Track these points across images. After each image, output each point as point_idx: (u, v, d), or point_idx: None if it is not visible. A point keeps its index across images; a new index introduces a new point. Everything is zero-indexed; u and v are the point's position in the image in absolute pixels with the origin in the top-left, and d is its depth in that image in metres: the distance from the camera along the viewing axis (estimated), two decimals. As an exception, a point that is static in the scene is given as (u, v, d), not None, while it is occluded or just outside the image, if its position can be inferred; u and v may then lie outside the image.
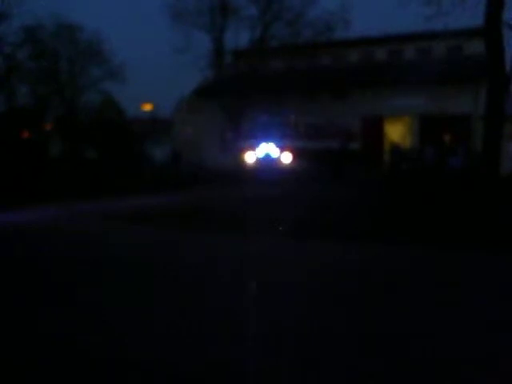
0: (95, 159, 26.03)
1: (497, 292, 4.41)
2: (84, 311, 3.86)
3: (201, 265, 5.42)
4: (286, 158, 22.26)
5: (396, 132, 27.78)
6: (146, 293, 4.33)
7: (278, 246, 6.33)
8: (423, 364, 2.92)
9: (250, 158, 22.82)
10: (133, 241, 6.87)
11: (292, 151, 22.15)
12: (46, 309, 3.92)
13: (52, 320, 3.66)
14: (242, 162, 22.89)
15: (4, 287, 4.59)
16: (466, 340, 3.30)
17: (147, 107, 34.57)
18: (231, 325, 3.52)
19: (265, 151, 22.53)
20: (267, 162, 22.17)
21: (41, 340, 3.29)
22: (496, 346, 3.20)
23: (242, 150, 23.37)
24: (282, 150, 22.28)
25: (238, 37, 29.53)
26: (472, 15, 15.92)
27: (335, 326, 3.54)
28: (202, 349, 3.11)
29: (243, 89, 27.18)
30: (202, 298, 4.21)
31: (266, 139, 22.52)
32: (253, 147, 22.82)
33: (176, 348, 3.14)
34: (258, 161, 22.53)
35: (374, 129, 27.89)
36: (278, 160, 22.24)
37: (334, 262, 5.63)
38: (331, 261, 5.66)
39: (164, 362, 2.93)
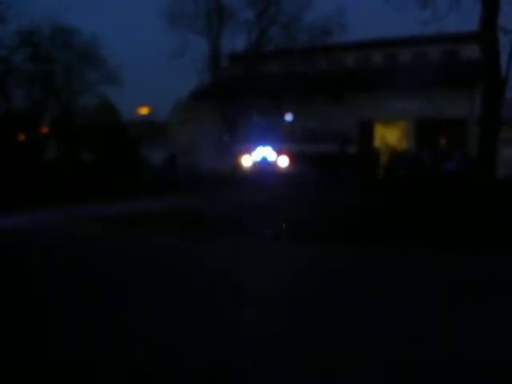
0: (91, 162, 25.95)
1: (496, 292, 4.44)
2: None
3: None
4: (283, 161, 22.25)
5: (392, 136, 27.85)
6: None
7: (276, 248, 6.35)
8: (422, 364, 2.94)
9: (247, 161, 22.80)
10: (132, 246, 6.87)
11: (289, 155, 22.14)
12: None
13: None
14: (238, 166, 22.85)
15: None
16: (466, 340, 3.32)
17: (143, 111, 34.42)
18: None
19: (262, 155, 22.52)
20: (264, 165, 22.15)
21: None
22: (496, 346, 3.22)
23: (239, 154, 23.32)
24: (279, 153, 22.27)
25: (235, 40, 29.58)
26: (468, 19, 16.06)
27: (334, 325, 3.56)
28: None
29: (240, 92, 27.19)
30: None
31: (263, 143, 22.50)
32: (249, 151, 22.80)
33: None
34: (255, 164, 22.50)
35: (370, 132, 27.97)
36: (274, 164, 22.23)
37: (333, 263, 5.65)
38: (330, 262, 5.68)
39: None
